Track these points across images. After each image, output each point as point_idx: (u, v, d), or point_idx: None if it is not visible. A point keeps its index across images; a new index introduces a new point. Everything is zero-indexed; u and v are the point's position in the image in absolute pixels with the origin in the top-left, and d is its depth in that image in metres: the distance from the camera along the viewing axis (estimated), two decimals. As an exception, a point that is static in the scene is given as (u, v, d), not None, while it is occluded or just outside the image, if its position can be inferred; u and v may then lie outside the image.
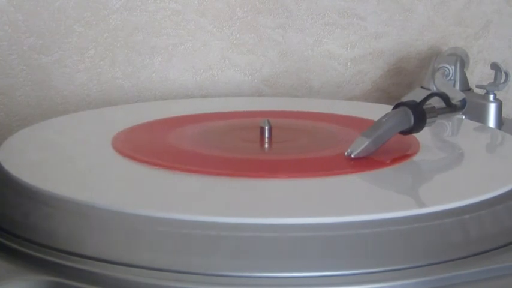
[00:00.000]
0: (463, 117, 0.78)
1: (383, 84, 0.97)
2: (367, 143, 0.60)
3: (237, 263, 0.47)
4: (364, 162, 0.59)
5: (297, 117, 0.76)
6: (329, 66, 0.95)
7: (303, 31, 0.93)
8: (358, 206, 0.52)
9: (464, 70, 0.88)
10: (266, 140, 0.66)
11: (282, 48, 0.93)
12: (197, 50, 0.90)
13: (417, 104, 0.63)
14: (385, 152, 0.61)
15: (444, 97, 0.69)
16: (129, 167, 0.59)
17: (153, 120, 0.73)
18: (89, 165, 0.61)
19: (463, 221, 0.50)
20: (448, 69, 0.86)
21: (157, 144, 0.65)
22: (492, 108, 0.82)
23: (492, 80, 0.82)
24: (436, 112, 0.64)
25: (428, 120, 0.63)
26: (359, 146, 0.60)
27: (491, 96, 0.82)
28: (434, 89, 0.83)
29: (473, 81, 0.91)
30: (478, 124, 0.78)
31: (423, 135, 0.65)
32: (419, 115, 0.62)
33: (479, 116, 0.81)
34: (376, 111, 0.65)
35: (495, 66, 0.82)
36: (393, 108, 0.63)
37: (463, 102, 0.71)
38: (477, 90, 0.85)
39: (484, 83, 0.83)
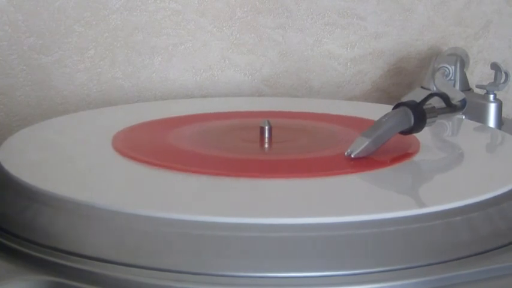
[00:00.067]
0: (463, 117, 0.78)
1: (383, 84, 0.97)
2: (367, 143, 0.60)
3: (237, 263, 0.47)
4: (364, 162, 0.59)
5: (297, 117, 0.76)
6: (329, 66, 0.95)
7: (303, 31, 0.93)
8: (358, 206, 0.52)
9: (464, 70, 0.88)
10: (266, 140, 0.66)
11: (282, 48, 0.93)
12: (197, 50, 0.90)
13: (417, 104, 0.63)
14: (385, 152, 0.61)
15: (444, 97, 0.69)
16: (129, 167, 0.59)
17: (153, 120, 0.73)
18: (89, 165, 0.61)
19: (463, 221, 0.50)
20: (448, 69, 0.86)
21: (157, 144, 0.65)
22: (492, 108, 0.82)
23: (492, 80, 0.82)
24: (436, 112, 0.64)
25: (428, 120, 0.63)
26: (359, 146, 0.60)
27: (491, 96, 0.82)
28: (434, 89, 0.83)
29: (473, 81, 0.91)
30: (478, 124, 0.78)
31: (423, 135, 0.65)
32: (419, 115, 0.62)
33: (479, 116, 0.81)
34: (376, 111, 0.65)
35: (495, 66, 0.82)
36: (393, 108, 0.63)
37: (463, 102, 0.71)
38: (477, 90, 0.85)
39: (484, 83, 0.83)
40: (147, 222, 0.49)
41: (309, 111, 0.78)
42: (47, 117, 0.78)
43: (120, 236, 0.49)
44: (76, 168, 0.61)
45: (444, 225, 0.50)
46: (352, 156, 0.60)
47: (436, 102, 0.66)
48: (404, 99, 0.80)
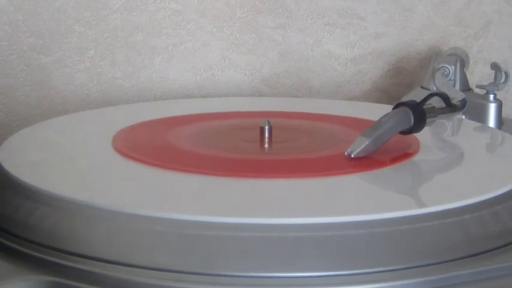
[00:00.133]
0: (463, 117, 0.78)
1: (383, 84, 0.97)
2: (367, 142, 0.60)
3: (237, 263, 0.47)
4: (364, 162, 0.59)
5: (297, 117, 0.76)
6: (329, 66, 0.95)
7: (303, 31, 0.93)
8: (358, 206, 0.52)
9: (464, 70, 0.88)
10: (266, 140, 0.66)
11: (282, 48, 0.93)
12: (197, 50, 0.90)
13: (417, 104, 0.63)
14: (385, 151, 0.61)
15: (444, 97, 0.69)
16: (129, 167, 0.59)
17: (153, 120, 0.73)
18: (89, 165, 0.61)
19: (463, 221, 0.50)
20: (448, 69, 0.86)
21: (157, 144, 0.65)
22: (492, 108, 0.82)
23: (492, 80, 0.82)
24: (436, 112, 0.64)
25: (428, 120, 0.63)
26: (359, 145, 0.60)
27: (491, 96, 0.82)
28: (434, 89, 0.83)
29: (473, 81, 0.91)
30: (478, 124, 0.78)
31: (423, 135, 0.65)
32: (419, 115, 0.62)
33: (479, 116, 0.81)
34: (376, 111, 0.65)
35: (495, 66, 0.82)
36: (393, 108, 0.63)
37: (463, 102, 0.71)
38: (477, 90, 0.85)
39: (484, 83, 0.83)
40: (147, 222, 0.49)
41: (309, 111, 0.78)
42: (47, 117, 0.78)
43: (120, 236, 0.49)
44: (76, 168, 0.61)
45: (444, 225, 0.50)
46: (352, 156, 0.60)
47: (436, 102, 0.66)
48: (404, 99, 0.80)
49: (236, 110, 0.78)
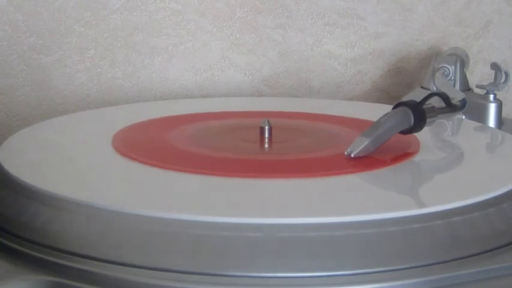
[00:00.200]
0: (463, 117, 0.78)
1: (383, 84, 0.97)
2: (366, 142, 0.60)
3: (237, 263, 0.47)
4: (364, 162, 0.59)
5: (297, 117, 0.76)
6: (329, 66, 0.95)
7: (303, 31, 0.93)
8: (358, 206, 0.52)
9: (464, 70, 0.88)
10: (266, 140, 0.66)
11: (282, 48, 0.93)
12: (197, 50, 0.90)
13: (417, 103, 0.63)
14: (385, 151, 0.61)
15: (444, 97, 0.69)
16: (129, 167, 0.59)
17: (153, 120, 0.73)
18: (89, 165, 0.61)
19: (463, 221, 0.50)
20: (448, 69, 0.86)
21: (157, 144, 0.65)
22: (492, 108, 0.82)
23: (492, 80, 0.82)
24: (436, 112, 0.64)
25: (428, 120, 0.63)
26: (359, 145, 0.60)
27: (491, 96, 0.82)
28: (434, 89, 0.83)
29: (473, 81, 0.91)
30: (478, 124, 0.78)
31: (423, 135, 0.65)
32: (419, 115, 0.62)
33: (479, 116, 0.81)
34: (376, 111, 0.65)
35: (495, 66, 0.82)
36: (393, 108, 0.63)
37: (463, 102, 0.71)
38: (477, 90, 0.85)
39: (484, 83, 0.83)
40: (147, 222, 0.49)
41: (309, 111, 0.78)
42: (47, 117, 0.78)
43: (120, 236, 0.49)
44: (76, 168, 0.61)
45: (444, 225, 0.50)
46: (352, 155, 0.60)
47: (436, 102, 0.66)
48: (404, 99, 0.80)
49: (236, 110, 0.78)
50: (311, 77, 0.95)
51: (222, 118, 0.75)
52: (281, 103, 0.85)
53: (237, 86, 0.92)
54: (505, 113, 0.87)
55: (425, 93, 0.67)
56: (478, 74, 1.00)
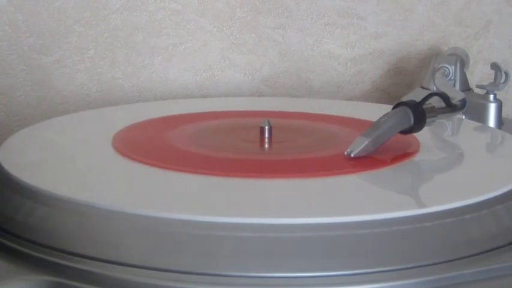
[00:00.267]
0: (463, 117, 0.78)
1: (383, 84, 0.97)
2: (366, 142, 0.60)
3: (237, 263, 0.47)
4: (364, 162, 0.59)
5: (297, 117, 0.76)
6: (329, 66, 0.95)
7: (303, 31, 0.93)
8: (358, 206, 0.52)
9: (464, 70, 0.88)
10: (266, 140, 0.66)
11: (282, 48, 0.93)
12: (197, 50, 0.90)
13: (417, 103, 0.63)
14: (385, 151, 0.61)
15: (444, 97, 0.69)
16: (130, 167, 0.59)
17: (153, 120, 0.73)
18: (89, 165, 0.61)
19: (463, 221, 0.50)
20: (448, 69, 0.86)
21: (157, 144, 0.65)
22: (492, 108, 0.82)
23: (492, 80, 0.82)
24: (435, 112, 0.64)
25: (428, 120, 0.63)
26: (358, 145, 0.60)
27: (491, 96, 0.82)
28: (434, 89, 0.83)
29: (473, 81, 0.91)
30: (478, 124, 0.78)
31: (423, 135, 0.65)
32: (419, 115, 0.62)
33: (479, 116, 0.81)
34: (376, 111, 0.65)
35: (495, 66, 0.82)
36: (393, 108, 0.63)
37: (463, 102, 0.71)
38: (477, 90, 0.85)
39: (484, 83, 0.83)
40: (147, 222, 0.49)
41: (309, 111, 0.78)
42: (47, 117, 0.78)
43: (120, 236, 0.49)
44: (76, 168, 0.61)
45: (444, 225, 0.50)
46: (352, 155, 0.60)
47: (436, 102, 0.66)
48: (404, 99, 0.79)
49: (236, 110, 0.78)
50: (311, 77, 0.95)
51: (222, 118, 0.75)
52: (281, 103, 0.85)
53: (237, 86, 0.92)
54: (505, 113, 0.86)
55: (425, 93, 0.67)
56: (478, 74, 1.00)
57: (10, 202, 0.54)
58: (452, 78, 0.86)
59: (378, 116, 0.62)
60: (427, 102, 0.64)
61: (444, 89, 0.78)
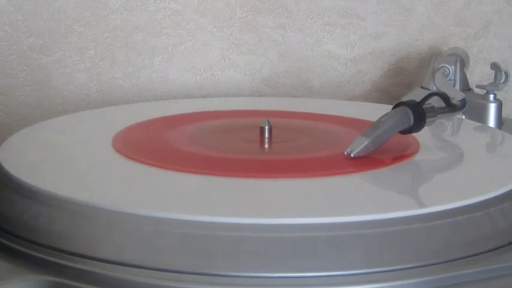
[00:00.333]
0: (463, 117, 0.78)
1: (383, 84, 0.97)
2: (366, 142, 0.60)
3: (237, 263, 0.47)
4: (364, 162, 0.59)
5: (297, 117, 0.76)
6: (329, 66, 0.95)
7: (303, 31, 0.93)
8: (358, 206, 0.52)
9: (464, 70, 0.88)
10: (266, 140, 0.66)
11: (282, 48, 0.93)
12: (197, 50, 0.90)
13: (417, 103, 0.63)
14: (385, 151, 0.61)
15: (444, 97, 0.69)
16: (130, 167, 0.59)
17: (153, 120, 0.73)
18: (89, 165, 0.61)
19: (463, 221, 0.50)
20: (448, 69, 0.86)
21: (157, 144, 0.65)
22: (492, 108, 0.82)
23: (492, 80, 0.82)
24: (435, 112, 0.64)
25: (428, 120, 0.63)
26: (358, 145, 0.60)
27: (491, 96, 0.82)
28: (434, 89, 0.83)
29: (473, 81, 0.91)
30: (478, 124, 0.78)
31: (423, 135, 0.65)
32: (419, 115, 0.62)
33: (479, 116, 0.81)
34: (376, 111, 0.65)
35: (495, 66, 0.82)
36: (393, 108, 0.63)
37: (463, 102, 0.71)
38: (477, 90, 0.85)
39: (484, 83, 0.83)
40: (147, 222, 0.49)
41: (309, 111, 0.78)
42: (47, 117, 0.78)
43: (120, 236, 0.49)
44: (76, 168, 0.61)
45: (444, 225, 0.50)
46: (352, 155, 0.60)
47: (436, 102, 0.66)
48: (404, 99, 0.79)
49: (236, 110, 0.78)
50: (311, 77, 0.95)
51: (222, 118, 0.75)
52: (281, 103, 0.85)
53: (237, 86, 0.92)
54: (505, 113, 0.87)
55: (425, 93, 0.67)
56: (478, 74, 1.00)
57: (10, 202, 0.54)
58: (452, 78, 0.86)
59: (378, 116, 0.62)
60: (427, 102, 0.64)
61: (444, 89, 0.78)
